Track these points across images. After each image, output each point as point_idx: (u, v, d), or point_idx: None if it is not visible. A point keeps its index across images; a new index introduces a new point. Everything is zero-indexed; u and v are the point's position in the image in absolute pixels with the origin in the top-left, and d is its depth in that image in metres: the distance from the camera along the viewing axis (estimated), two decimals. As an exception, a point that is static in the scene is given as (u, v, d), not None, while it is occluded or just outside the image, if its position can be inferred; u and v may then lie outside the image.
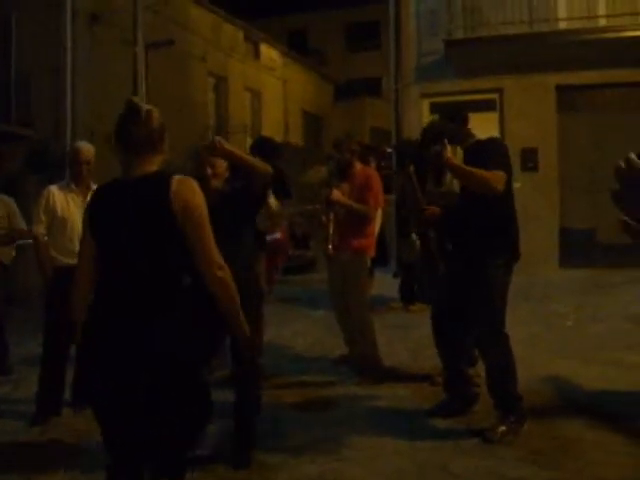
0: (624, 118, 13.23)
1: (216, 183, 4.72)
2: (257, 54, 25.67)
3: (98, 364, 3.05)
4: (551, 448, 4.71)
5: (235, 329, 3.23)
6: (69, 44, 15.97)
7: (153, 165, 3.12)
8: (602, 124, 13.34)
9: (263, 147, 7.03)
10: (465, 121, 5.31)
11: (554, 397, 5.87)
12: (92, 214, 3.18)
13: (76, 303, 3.23)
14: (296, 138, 27.08)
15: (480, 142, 5.20)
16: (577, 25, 12.91)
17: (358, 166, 6.75)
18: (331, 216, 6.60)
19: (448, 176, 5.16)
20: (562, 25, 13.14)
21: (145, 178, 3.08)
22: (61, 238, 5.66)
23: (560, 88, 13.43)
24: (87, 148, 5.81)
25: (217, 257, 3.08)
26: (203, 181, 4.56)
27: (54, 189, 5.79)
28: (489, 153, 4.95)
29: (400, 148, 6.99)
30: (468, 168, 4.80)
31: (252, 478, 4.46)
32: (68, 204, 5.71)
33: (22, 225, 7.05)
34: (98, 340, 3.04)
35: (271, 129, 24.55)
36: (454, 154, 4.89)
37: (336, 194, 6.49)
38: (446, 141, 4.79)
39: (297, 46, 32.42)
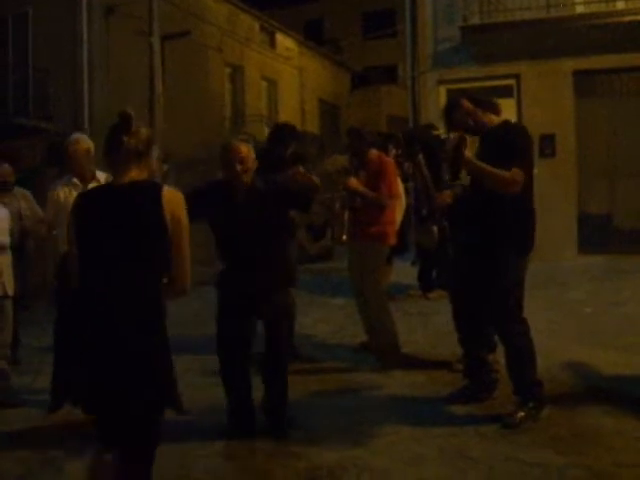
0: (642, 103, 13.13)
1: (247, 179, 4.75)
2: (273, 43, 25.65)
3: (81, 366, 3.13)
4: (570, 434, 4.72)
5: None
6: (85, 37, 16.08)
7: (140, 174, 3.24)
8: (620, 109, 13.24)
9: (280, 133, 7.07)
10: (496, 110, 5.23)
11: (573, 383, 5.86)
12: (77, 217, 3.24)
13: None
14: (313, 127, 27.06)
15: (504, 127, 5.13)
16: (594, 9, 12.82)
17: (373, 153, 6.72)
18: (345, 204, 6.61)
19: (463, 175, 5.13)
20: (579, 9, 13.05)
21: (135, 185, 3.19)
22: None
23: (577, 73, 13.32)
24: (82, 139, 5.84)
25: (188, 274, 3.27)
26: (234, 179, 4.70)
27: (58, 188, 5.89)
28: (514, 145, 4.90)
29: (407, 137, 6.96)
30: (487, 168, 4.74)
31: (271, 465, 4.49)
32: (72, 196, 5.73)
33: (40, 214, 7.12)
34: (80, 343, 3.12)
35: (288, 118, 24.45)
36: (472, 146, 4.86)
37: (353, 182, 6.48)
38: (466, 136, 4.77)
39: (313, 35, 32.37)
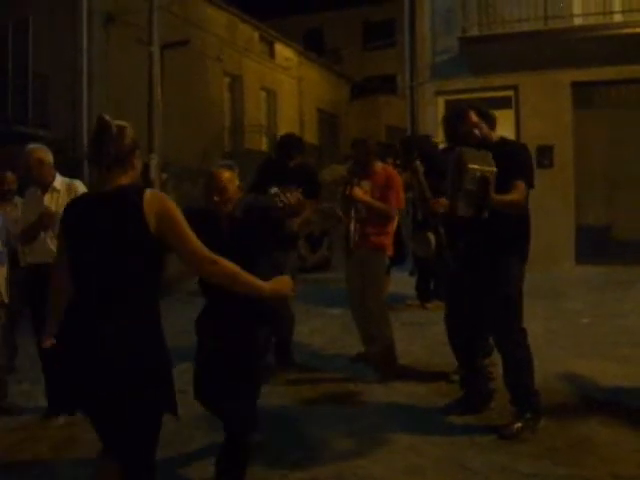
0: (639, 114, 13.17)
1: (227, 208, 4.39)
2: (272, 53, 25.71)
3: (71, 371, 3.14)
4: (567, 445, 4.72)
5: (257, 294, 3.37)
6: (85, 45, 16.10)
7: (125, 179, 3.22)
8: (618, 120, 13.29)
9: (285, 144, 7.07)
10: (494, 125, 5.23)
11: (570, 394, 5.86)
12: (65, 226, 3.28)
13: (54, 306, 3.36)
14: (311, 137, 27.09)
15: (506, 143, 5.17)
16: (592, 21, 12.89)
17: (379, 165, 6.76)
18: (352, 213, 6.58)
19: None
20: (577, 21, 13.12)
21: (117, 190, 3.17)
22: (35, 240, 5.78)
23: (575, 85, 13.39)
24: (32, 150, 5.84)
25: (205, 252, 3.16)
26: (213, 209, 4.39)
27: (26, 196, 6.03)
28: (519, 160, 4.92)
29: (405, 144, 6.97)
30: (507, 199, 4.66)
31: (269, 475, 4.48)
32: (30, 206, 5.85)
33: None
34: (71, 348, 3.12)
35: (286, 128, 24.51)
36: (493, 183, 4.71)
37: (357, 192, 6.49)
38: (488, 175, 4.51)
39: (313, 45, 32.42)
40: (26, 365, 7.03)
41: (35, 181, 5.87)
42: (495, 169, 4.49)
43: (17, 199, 7.50)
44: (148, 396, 3.08)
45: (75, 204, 3.35)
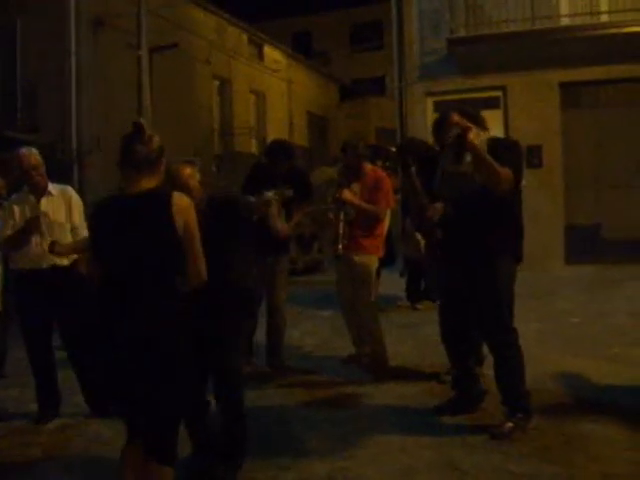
0: (628, 114, 13.25)
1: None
2: (261, 56, 25.71)
3: (108, 371, 3.35)
4: (558, 444, 4.73)
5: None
6: (73, 49, 16.06)
7: (151, 183, 3.37)
8: (606, 120, 13.35)
9: (274, 150, 7.04)
10: (484, 126, 5.24)
11: (561, 393, 5.87)
12: (93, 227, 3.46)
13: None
14: (301, 139, 27.09)
15: (497, 139, 5.19)
16: (579, 22, 12.93)
17: (368, 167, 6.78)
18: (341, 216, 6.58)
19: (466, 160, 5.05)
20: (564, 22, 13.16)
21: (146, 194, 3.33)
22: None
23: (563, 85, 13.44)
24: (29, 154, 5.71)
25: (204, 270, 3.42)
26: None
27: (12, 201, 5.83)
28: (509, 152, 4.93)
29: (404, 146, 6.97)
30: (488, 157, 4.69)
31: (260, 477, 4.48)
32: (24, 211, 5.68)
33: None
34: (106, 348, 3.31)
35: (276, 130, 24.59)
36: (477, 138, 4.83)
37: (347, 194, 6.50)
38: (472, 125, 4.79)
39: (302, 48, 32.49)
40: (14, 370, 7.02)
41: (30, 185, 5.72)
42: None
43: (5, 204, 7.46)
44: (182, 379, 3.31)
45: (102, 206, 3.47)
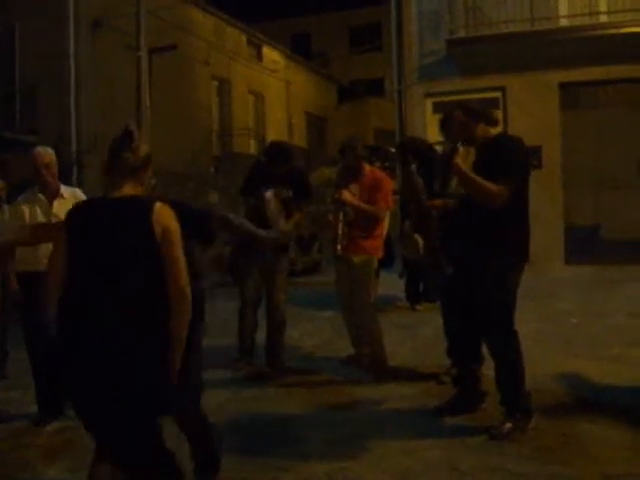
0: (627, 114, 13.26)
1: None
2: (260, 57, 25.68)
3: (72, 377, 3.22)
4: (558, 444, 4.73)
5: (177, 343, 3.27)
6: (72, 50, 16.04)
7: (133, 191, 3.35)
8: (605, 120, 13.36)
9: (272, 152, 7.01)
10: (492, 121, 5.23)
11: (560, 394, 5.87)
12: (69, 228, 3.34)
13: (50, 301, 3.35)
14: (300, 140, 27.08)
15: (499, 140, 5.14)
16: (578, 22, 12.94)
17: (367, 168, 6.79)
18: (340, 217, 6.58)
19: (455, 180, 5.11)
20: (563, 22, 13.17)
21: (126, 199, 3.31)
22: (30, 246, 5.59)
23: (563, 85, 13.45)
24: (43, 152, 5.71)
25: (185, 277, 3.28)
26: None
27: (20, 201, 5.78)
28: (509, 159, 4.91)
29: (404, 144, 6.98)
30: (477, 179, 4.72)
31: (259, 478, 4.48)
32: (35, 212, 5.66)
33: None
34: (69, 354, 3.19)
35: (274, 131, 24.60)
36: (466, 156, 4.86)
37: (346, 194, 6.50)
38: (459, 145, 4.79)
39: (301, 49, 32.47)
40: (15, 372, 7.01)
41: (40, 184, 5.69)
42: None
43: (6, 207, 7.45)
44: (147, 398, 3.17)
45: (82, 208, 3.44)
